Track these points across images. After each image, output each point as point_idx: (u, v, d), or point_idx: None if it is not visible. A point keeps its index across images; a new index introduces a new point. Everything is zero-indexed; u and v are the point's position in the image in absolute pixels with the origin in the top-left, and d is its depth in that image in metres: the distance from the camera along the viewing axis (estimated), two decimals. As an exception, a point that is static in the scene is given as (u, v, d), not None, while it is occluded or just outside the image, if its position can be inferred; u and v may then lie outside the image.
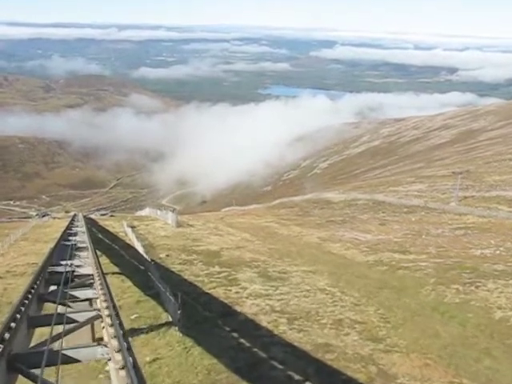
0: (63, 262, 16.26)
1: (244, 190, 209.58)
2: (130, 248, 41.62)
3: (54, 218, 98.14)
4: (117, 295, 24.53)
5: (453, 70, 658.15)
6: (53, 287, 13.63)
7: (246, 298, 25.94)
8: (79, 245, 23.57)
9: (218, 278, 30.91)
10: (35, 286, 11.65)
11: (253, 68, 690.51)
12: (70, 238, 27.49)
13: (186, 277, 30.68)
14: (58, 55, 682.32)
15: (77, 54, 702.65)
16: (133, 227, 56.25)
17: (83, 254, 20.15)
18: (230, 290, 27.35)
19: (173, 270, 32.69)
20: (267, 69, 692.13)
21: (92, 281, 13.44)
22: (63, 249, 20.79)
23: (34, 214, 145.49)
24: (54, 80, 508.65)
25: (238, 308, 23.87)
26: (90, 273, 14.51)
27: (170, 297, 21.07)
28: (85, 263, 16.45)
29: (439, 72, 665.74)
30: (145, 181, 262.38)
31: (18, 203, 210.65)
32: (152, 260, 31.82)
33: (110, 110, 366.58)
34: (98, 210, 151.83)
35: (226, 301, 25.12)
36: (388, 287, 29.94)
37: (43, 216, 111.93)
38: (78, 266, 15.64)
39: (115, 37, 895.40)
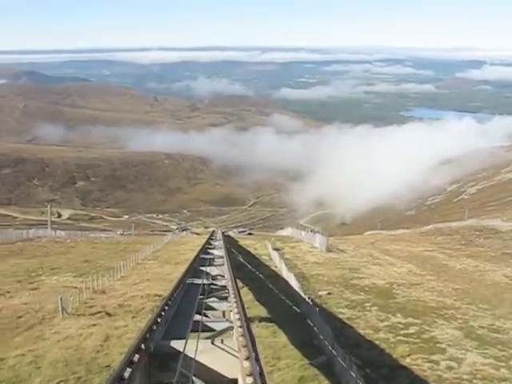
0: (175, 345, 7.95)
1: (385, 213, 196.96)
2: (278, 278, 33.41)
3: (193, 233, 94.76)
4: (268, 361, 16.10)
5: None
6: None
7: (470, 382, 16.33)
8: (216, 282, 15.52)
9: (408, 335, 21.51)
10: None
11: (395, 89, 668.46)
12: (204, 267, 19.53)
13: (360, 330, 21.61)
14: (203, 77, 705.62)
15: (221, 76, 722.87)
16: (277, 250, 48.53)
17: (221, 305, 11.98)
18: (437, 363, 17.86)
19: (340, 316, 23.77)
20: (410, 90, 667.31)
21: None
22: (188, 296, 12.64)
23: (175, 227, 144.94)
24: (200, 100, 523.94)
25: (467, 406, 14.38)
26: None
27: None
28: (223, 349, 7.92)
29: None
30: (283, 200, 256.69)
31: (160, 216, 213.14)
32: (311, 300, 23.17)
33: (252, 129, 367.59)
34: (236, 227, 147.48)
35: (441, 388, 15.73)
36: None
37: (183, 230, 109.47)
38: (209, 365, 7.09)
39: (259, 59, 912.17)
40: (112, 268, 34.51)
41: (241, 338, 7.31)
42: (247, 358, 6.38)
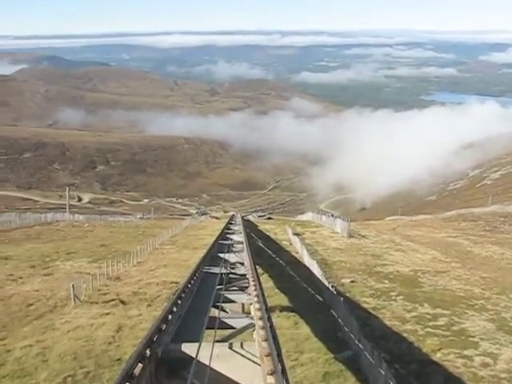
0: (187, 350, 6.91)
1: (406, 198, 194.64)
2: (298, 265, 32.31)
3: (212, 217, 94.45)
4: (290, 355, 15.05)
5: None
6: None
7: (508, 381, 15.13)
8: (235, 271, 14.50)
9: (437, 327, 20.31)
10: None
11: (416, 73, 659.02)
12: (222, 254, 18.52)
13: (386, 321, 20.45)
14: (223, 61, 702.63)
15: (241, 60, 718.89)
16: (298, 235, 47.48)
17: (241, 297, 10.93)
18: (471, 359, 16.64)
19: (364, 306, 22.60)
20: (431, 74, 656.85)
21: None
22: (204, 287, 11.63)
23: (194, 212, 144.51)
24: (219, 84, 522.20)
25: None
26: None
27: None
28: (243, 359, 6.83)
29: None
30: (303, 184, 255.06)
31: (180, 201, 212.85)
32: (334, 288, 22.06)
33: (272, 114, 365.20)
34: (255, 212, 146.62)
35: (477, 386, 14.57)
36: None
37: (202, 214, 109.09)
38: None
39: (279, 43, 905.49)
40: (128, 253, 33.73)
41: (264, 344, 6.21)
42: (272, 373, 5.28)
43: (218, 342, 7.12)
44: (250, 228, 52.26)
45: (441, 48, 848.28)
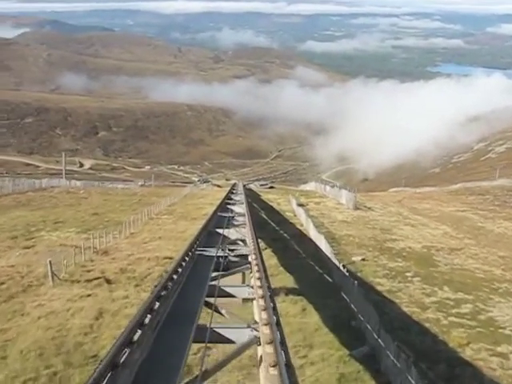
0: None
1: (409, 170, 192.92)
2: (304, 239, 30.03)
3: (214, 185, 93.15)
4: (298, 351, 12.77)
5: None
6: None
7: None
8: (235, 252, 12.20)
9: (461, 315, 18.02)
10: None
11: (423, 44, 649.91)
12: (221, 229, 16.14)
13: (404, 308, 18.17)
14: (228, 28, 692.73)
15: (246, 27, 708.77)
16: (302, 206, 45.23)
17: (241, 291, 8.62)
18: (507, 357, 14.41)
19: (379, 288, 20.30)
20: (438, 45, 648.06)
21: None
22: (195, 276, 9.34)
23: (196, 179, 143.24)
24: (223, 51, 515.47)
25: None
26: None
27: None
28: None
29: None
30: (306, 154, 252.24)
31: (182, 168, 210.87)
32: (346, 268, 19.76)
33: (276, 82, 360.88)
34: (257, 180, 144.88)
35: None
36: None
37: (204, 182, 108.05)
38: None
39: (284, 11, 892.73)
40: (121, 223, 31.43)
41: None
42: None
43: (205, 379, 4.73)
44: (251, 198, 50.08)
45: (448, 19, 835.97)
